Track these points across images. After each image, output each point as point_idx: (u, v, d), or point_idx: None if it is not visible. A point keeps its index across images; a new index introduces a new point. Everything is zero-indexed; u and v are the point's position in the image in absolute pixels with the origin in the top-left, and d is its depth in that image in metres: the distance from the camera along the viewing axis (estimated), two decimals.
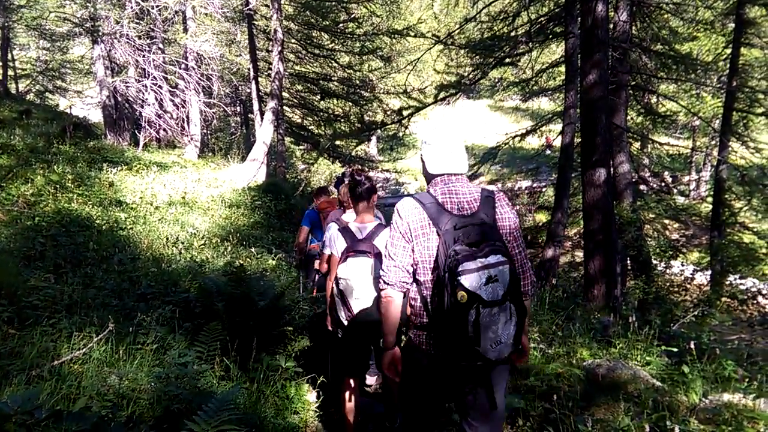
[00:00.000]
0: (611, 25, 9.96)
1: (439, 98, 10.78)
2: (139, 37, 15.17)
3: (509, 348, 2.22)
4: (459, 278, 2.09)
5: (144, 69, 15.55)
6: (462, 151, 2.56)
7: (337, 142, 19.57)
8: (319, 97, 20.21)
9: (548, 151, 26.40)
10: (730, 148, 13.09)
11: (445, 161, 2.49)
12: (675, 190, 22.53)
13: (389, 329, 2.45)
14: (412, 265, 2.38)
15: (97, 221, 7.27)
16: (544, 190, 22.99)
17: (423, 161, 2.56)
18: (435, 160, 2.50)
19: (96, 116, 21.59)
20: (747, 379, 4.02)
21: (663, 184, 19.30)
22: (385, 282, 2.40)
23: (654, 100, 14.23)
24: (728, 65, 13.26)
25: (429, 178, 2.53)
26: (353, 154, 22.65)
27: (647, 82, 13.14)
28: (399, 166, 31.86)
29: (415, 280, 2.39)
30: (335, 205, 5.53)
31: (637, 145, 14.40)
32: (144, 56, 15.26)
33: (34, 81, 24.52)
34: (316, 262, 4.72)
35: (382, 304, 2.43)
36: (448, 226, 2.26)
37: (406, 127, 11.85)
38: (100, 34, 14.72)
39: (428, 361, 2.34)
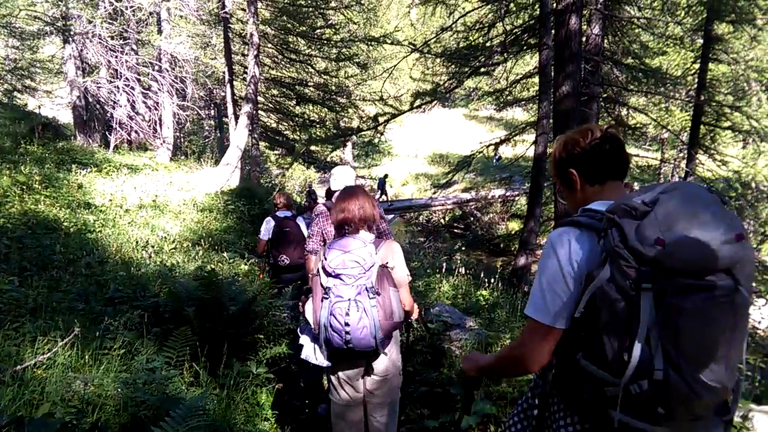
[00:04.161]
0: (584, 38, 10.15)
1: (414, 106, 10.85)
2: (112, 38, 14.92)
3: None
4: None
5: (116, 70, 15.31)
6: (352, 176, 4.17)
7: (313, 148, 19.56)
8: (294, 102, 20.20)
9: (496, 161, 26.97)
10: (697, 161, 13.41)
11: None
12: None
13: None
14: None
15: (65, 224, 7.12)
16: (517, 198, 23.26)
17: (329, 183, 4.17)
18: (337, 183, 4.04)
19: (66, 117, 21.16)
20: None
21: None
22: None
23: (625, 112, 14.50)
24: (696, 80, 13.61)
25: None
26: (328, 159, 22.65)
27: (618, 94, 13.40)
28: (374, 172, 31.94)
29: None
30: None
31: None
32: (117, 57, 15.03)
33: (2, 80, 23.94)
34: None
35: None
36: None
37: (382, 134, 11.91)
38: (72, 33, 14.46)
39: None
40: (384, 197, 26.49)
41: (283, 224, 5.89)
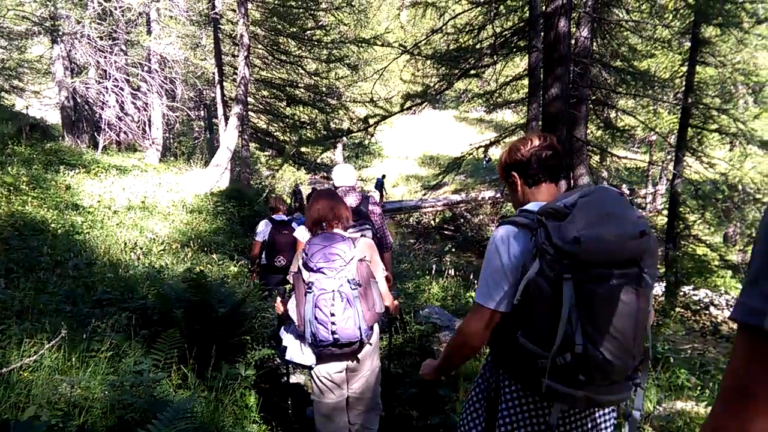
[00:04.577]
0: (573, 41, 10.22)
1: (405, 107, 10.87)
2: (101, 38, 14.84)
3: None
4: None
5: (105, 70, 15.23)
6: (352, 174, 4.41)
7: (303, 149, 19.56)
8: (285, 103, 20.18)
9: (485, 163, 27.10)
10: (685, 163, 13.52)
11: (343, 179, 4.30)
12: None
13: None
14: None
15: (52, 225, 7.07)
16: (506, 200, 23.32)
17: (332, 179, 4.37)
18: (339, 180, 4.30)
19: (54, 117, 21.01)
20: (699, 388, 4.15)
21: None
22: None
23: (613, 114, 14.58)
24: (684, 82, 13.72)
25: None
26: (318, 161, 22.63)
27: (607, 96, 13.48)
28: (365, 174, 31.92)
29: None
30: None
31: (597, 158, 14.74)
32: (105, 57, 14.95)
33: None
34: None
35: None
36: None
37: (372, 135, 11.91)
38: (60, 33, 14.37)
39: None
40: (381, 197, 26.64)
41: (280, 228, 6.05)
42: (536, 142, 1.96)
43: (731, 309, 0.92)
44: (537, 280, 1.68)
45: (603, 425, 1.91)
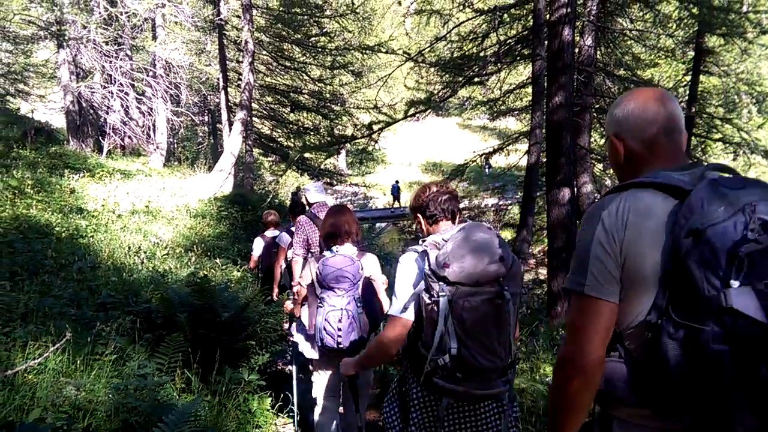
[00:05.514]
0: (577, 50, 10.24)
1: (408, 114, 10.88)
2: (107, 43, 14.92)
3: None
4: None
5: (110, 75, 15.30)
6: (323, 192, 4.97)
7: (306, 155, 19.52)
8: (289, 109, 20.20)
9: (487, 171, 27.17)
10: None
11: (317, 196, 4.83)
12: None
13: None
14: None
15: (57, 228, 7.08)
16: (509, 207, 23.29)
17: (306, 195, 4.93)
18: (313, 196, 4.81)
19: (59, 121, 21.09)
20: None
21: None
22: None
23: None
24: (688, 92, 13.73)
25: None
26: (322, 167, 22.64)
27: (610, 105, 13.49)
28: (367, 180, 31.96)
29: None
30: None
31: (600, 166, 14.75)
32: (111, 62, 15.02)
33: None
34: None
35: None
36: None
37: (376, 142, 11.91)
38: (66, 38, 14.44)
39: None
40: (397, 203, 26.82)
41: (272, 245, 6.24)
42: (434, 189, 2.46)
43: (566, 283, 1.47)
44: (422, 296, 2.14)
45: (485, 417, 2.31)
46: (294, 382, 4.17)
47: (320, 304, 3.19)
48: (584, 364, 1.39)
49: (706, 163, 1.45)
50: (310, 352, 3.39)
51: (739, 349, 1.14)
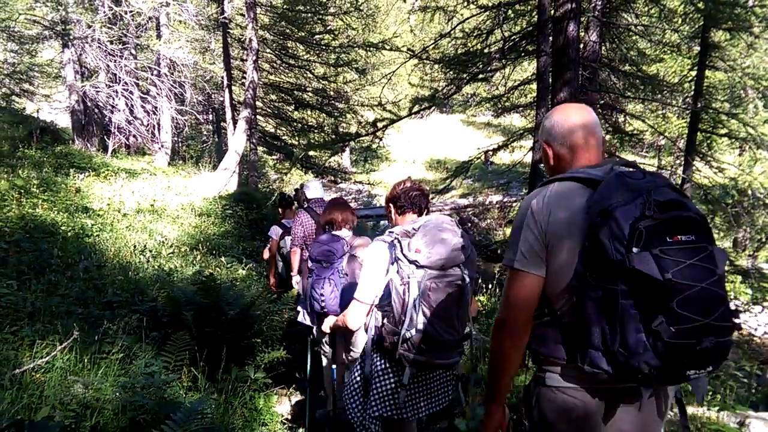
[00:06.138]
0: (582, 45, 10.19)
1: (413, 111, 10.87)
2: (111, 42, 14.93)
3: None
4: None
5: (115, 74, 15.31)
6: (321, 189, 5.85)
7: (311, 153, 19.53)
8: (293, 107, 20.18)
9: (488, 167, 27.07)
10: (694, 168, 13.43)
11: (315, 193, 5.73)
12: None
13: None
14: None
15: (63, 228, 7.10)
16: (514, 204, 23.25)
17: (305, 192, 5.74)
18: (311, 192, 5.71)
19: (64, 121, 21.13)
20: (711, 393, 4.11)
21: None
22: None
23: (622, 118, 14.54)
24: (693, 87, 13.62)
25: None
26: (326, 165, 22.64)
27: (615, 101, 13.43)
28: (372, 177, 31.92)
29: None
30: None
31: None
32: (115, 61, 15.04)
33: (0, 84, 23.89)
34: None
35: None
36: None
37: (381, 139, 11.92)
38: (71, 37, 14.46)
39: None
40: None
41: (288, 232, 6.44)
42: (407, 185, 2.84)
43: (504, 260, 1.81)
44: (393, 279, 2.49)
45: (440, 383, 2.72)
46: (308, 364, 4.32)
47: (309, 275, 3.83)
48: (513, 326, 1.76)
49: (616, 159, 1.84)
50: (306, 319, 4.15)
51: (641, 301, 1.48)
